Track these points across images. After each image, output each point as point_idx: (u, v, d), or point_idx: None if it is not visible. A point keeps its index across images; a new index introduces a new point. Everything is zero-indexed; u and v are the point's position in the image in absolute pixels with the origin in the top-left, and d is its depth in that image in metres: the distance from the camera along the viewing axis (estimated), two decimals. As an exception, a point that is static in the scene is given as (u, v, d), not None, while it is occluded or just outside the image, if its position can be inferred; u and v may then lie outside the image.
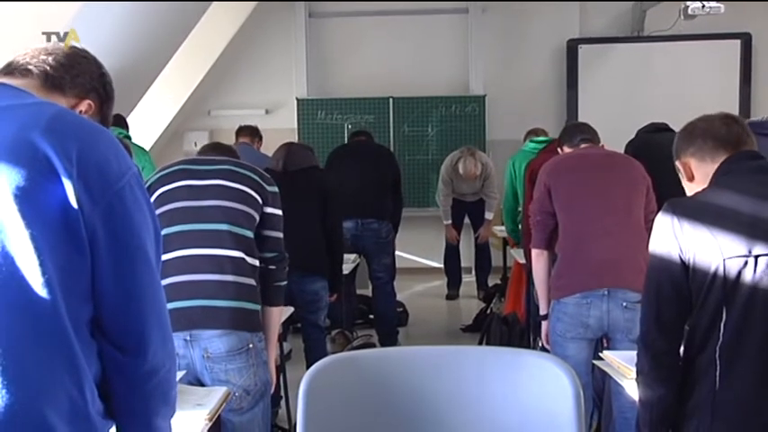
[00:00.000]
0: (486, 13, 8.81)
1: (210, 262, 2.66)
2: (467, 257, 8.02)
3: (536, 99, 8.75)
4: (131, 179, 1.31)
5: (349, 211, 5.30)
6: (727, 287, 1.84)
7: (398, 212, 6.07)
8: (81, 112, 1.51)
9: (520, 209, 5.36)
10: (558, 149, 3.92)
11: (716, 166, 2.00)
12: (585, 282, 3.25)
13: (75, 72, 1.52)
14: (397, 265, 6.22)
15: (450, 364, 1.73)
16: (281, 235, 2.86)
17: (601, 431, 3.61)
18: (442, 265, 7.91)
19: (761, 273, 1.82)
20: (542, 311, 3.52)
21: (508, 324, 5.27)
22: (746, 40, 8.50)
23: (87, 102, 1.54)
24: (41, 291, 1.18)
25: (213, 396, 2.43)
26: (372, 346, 5.64)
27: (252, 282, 2.72)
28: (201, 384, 2.66)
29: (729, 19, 7.64)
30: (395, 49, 8.80)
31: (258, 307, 2.74)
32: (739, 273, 1.83)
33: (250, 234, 2.74)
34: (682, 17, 7.67)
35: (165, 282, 2.40)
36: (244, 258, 2.69)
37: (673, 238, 1.91)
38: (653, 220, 2.03)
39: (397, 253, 6.23)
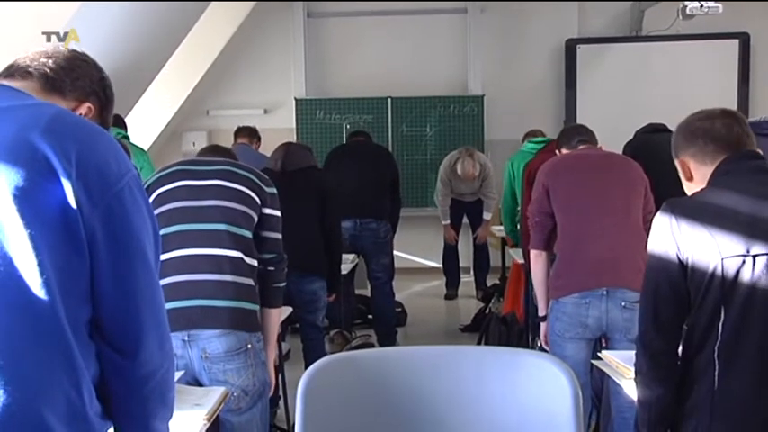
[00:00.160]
0: (485, 13, 8.82)
1: (209, 262, 2.66)
2: (465, 257, 8.03)
3: (534, 99, 8.76)
4: (130, 181, 1.32)
5: (347, 211, 5.30)
6: (725, 287, 1.84)
7: (397, 212, 6.07)
8: (81, 115, 1.51)
9: (518, 209, 5.36)
10: (557, 151, 3.92)
11: (715, 167, 2.00)
12: (584, 281, 3.25)
13: (76, 75, 1.53)
14: (396, 265, 6.21)
15: (449, 363, 1.73)
16: (279, 236, 2.87)
17: (599, 431, 3.61)
18: (440, 265, 7.91)
19: (759, 272, 1.82)
20: (541, 312, 3.53)
21: (507, 324, 5.27)
22: (745, 39, 8.50)
23: (87, 105, 1.54)
24: (40, 291, 1.18)
25: (211, 396, 2.43)
26: (371, 346, 5.64)
27: (250, 282, 2.72)
28: (200, 384, 2.66)
29: (727, 19, 7.64)
30: (393, 49, 8.80)
31: (257, 307, 2.74)
32: (737, 272, 1.83)
33: (248, 234, 2.74)
34: (680, 17, 7.70)
35: (163, 281, 2.39)
36: (242, 258, 2.69)
37: (671, 238, 1.91)
38: (651, 220, 2.03)
39: (395, 253, 6.23)
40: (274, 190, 2.87)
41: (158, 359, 1.35)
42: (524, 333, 5.18)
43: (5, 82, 1.45)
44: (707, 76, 8.39)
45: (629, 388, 2.37)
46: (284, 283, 2.92)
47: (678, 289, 1.91)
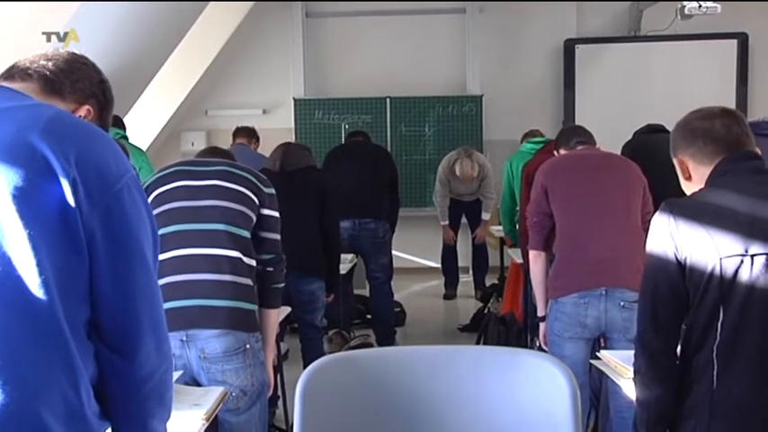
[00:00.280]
0: (484, 14, 8.82)
1: (208, 261, 2.66)
2: (464, 257, 8.03)
3: (533, 99, 8.77)
4: (129, 181, 1.32)
5: (346, 211, 5.30)
6: (723, 287, 1.84)
7: (395, 212, 6.07)
8: (80, 117, 1.52)
9: (517, 209, 5.37)
10: (555, 152, 3.93)
11: (713, 167, 2.00)
12: (583, 281, 3.25)
13: (75, 78, 1.54)
14: (395, 265, 6.22)
15: (448, 363, 1.73)
16: (278, 237, 2.87)
17: (598, 431, 3.61)
18: (439, 265, 7.91)
19: (758, 272, 1.82)
20: (540, 313, 3.53)
21: (505, 324, 5.27)
22: (743, 39, 8.51)
23: (86, 107, 1.55)
24: (39, 291, 1.18)
25: (210, 396, 2.43)
26: (370, 345, 5.64)
27: (249, 282, 2.72)
28: (198, 384, 2.66)
29: (726, 19, 7.65)
30: (392, 49, 8.80)
31: (255, 307, 2.74)
32: (736, 272, 1.83)
33: (247, 234, 2.74)
34: (678, 17, 7.70)
35: (161, 281, 2.40)
36: (241, 258, 2.69)
37: (669, 238, 1.91)
38: (650, 221, 2.03)
39: (394, 253, 6.23)
40: (273, 191, 2.88)
41: (156, 360, 1.35)
42: (523, 333, 5.19)
43: (5, 83, 1.46)
44: (705, 77, 8.39)
45: (628, 388, 2.37)
46: (283, 284, 2.92)
47: (677, 289, 1.91)
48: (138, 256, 1.32)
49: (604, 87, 8.61)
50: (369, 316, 6.36)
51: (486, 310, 6.44)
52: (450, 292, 7.78)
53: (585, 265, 3.27)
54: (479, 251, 7.70)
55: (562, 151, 3.79)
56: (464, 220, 7.67)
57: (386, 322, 5.92)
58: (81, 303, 1.26)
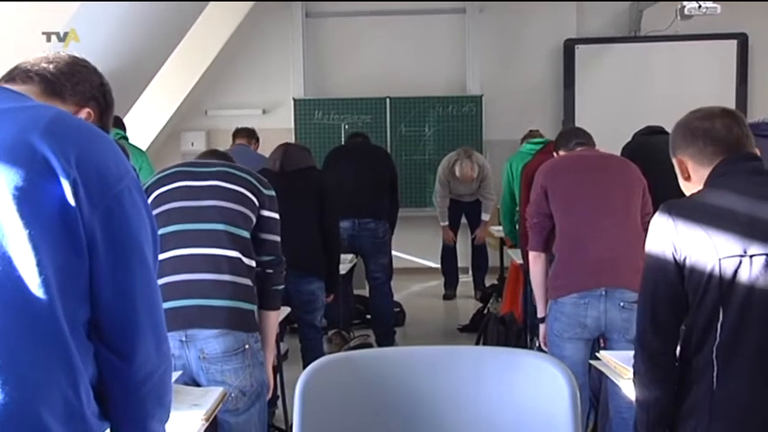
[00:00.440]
0: (484, 14, 8.82)
1: (207, 261, 2.66)
2: (464, 257, 8.03)
3: (533, 99, 8.77)
4: (130, 182, 1.32)
5: (346, 212, 5.31)
6: (723, 287, 1.84)
7: (395, 212, 6.07)
8: None
9: (517, 209, 5.36)
10: (554, 153, 3.93)
11: (712, 167, 2.00)
12: (583, 281, 3.25)
13: (76, 80, 1.55)
14: (394, 266, 6.22)
15: (447, 364, 1.73)
16: (278, 238, 2.87)
17: (597, 431, 3.61)
18: (439, 265, 7.91)
19: (757, 272, 1.82)
20: (540, 314, 3.53)
21: (505, 324, 5.27)
22: (743, 40, 8.51)
23: (87, 110, 1.56)
24: (38, 291, 1.18)
25: (209, 396, 2.43)
26: (369, 346, 5.64)
27: (248, 282, 2.72)
28: (197, 385, 2.66)
29: (726, 19, 7.65)
30: (392, 50, 8.80)
31: (254, 307, 2.74)
32: (735, 272, 1.83)
33: (246, 235, 2.75)
34: (678, 17, 7.70)
35: (161, 281, 2.39)
36: (240, 258, 2.69)
37: (669, 239, 1.91)
38: (649, 222, 2.03)
39: (394, 253, 6.23)
40: (273, 192, 2.88)
41: (156, 360, 1.35)
42: (523, 333, 5.19)
43: (6, 85, 1.46)
44: (705, 77, 8.40)
45: (628, 388, 2.37)
46: (282, 286, 2.92)
47: (676, 290, 1.91)
48: (138, 258, 1.32)
49: (604, 87, 8.61)
50: (368, 316, 6.36)
51: (485, 311, 6.44)
52: (450, 292, 7.78)
53: (585, 265, 3.27)
54: (479, 251, 7.70)
55: (561, 152, 3.79)
56: (464, 220, 7.68)
57: (385, 322, 5.92)
58: (81, 303, 1.26)
